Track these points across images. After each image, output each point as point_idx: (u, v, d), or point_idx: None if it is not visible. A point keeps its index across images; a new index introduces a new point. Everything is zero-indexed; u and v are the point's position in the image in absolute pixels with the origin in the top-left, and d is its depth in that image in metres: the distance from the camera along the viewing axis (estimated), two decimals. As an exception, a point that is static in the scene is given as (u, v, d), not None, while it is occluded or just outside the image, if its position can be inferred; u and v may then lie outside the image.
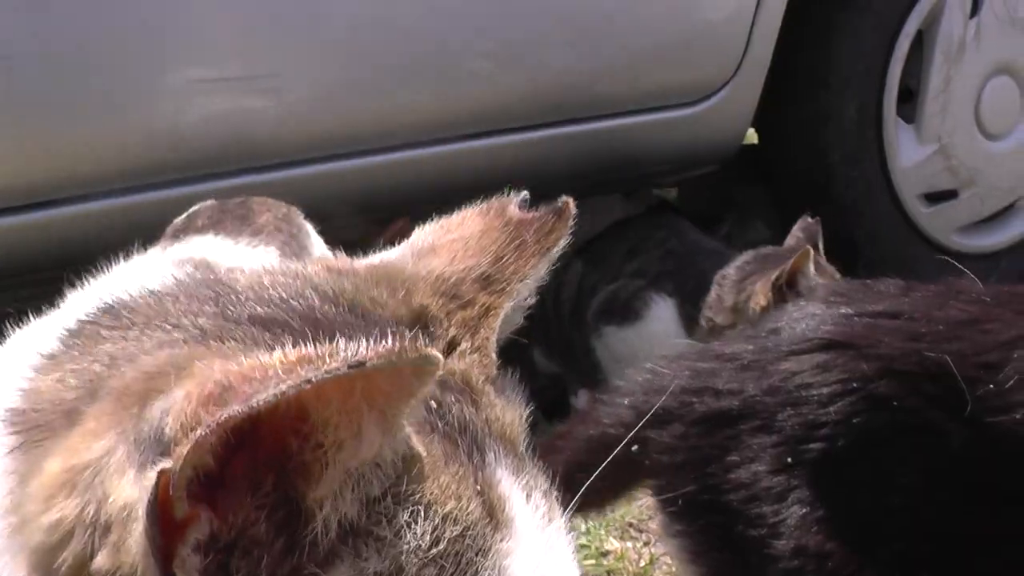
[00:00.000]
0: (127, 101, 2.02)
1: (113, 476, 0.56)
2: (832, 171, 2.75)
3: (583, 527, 2.00)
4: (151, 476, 0.53)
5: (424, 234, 0.82)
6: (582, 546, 1.96)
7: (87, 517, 0.57)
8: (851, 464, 0.98)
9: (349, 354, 0.52)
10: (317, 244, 1.54)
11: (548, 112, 2.46)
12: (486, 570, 0.62)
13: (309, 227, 1.56)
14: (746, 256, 2.37)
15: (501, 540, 0.63)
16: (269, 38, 2.17)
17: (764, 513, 0.99)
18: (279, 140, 2.24)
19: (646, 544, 1.98)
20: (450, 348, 0.73)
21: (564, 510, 0.73)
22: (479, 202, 0.84)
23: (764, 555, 0.99)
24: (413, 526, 0.60)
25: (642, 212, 2.79)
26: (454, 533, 0.61)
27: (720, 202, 3.44)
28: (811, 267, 1.96)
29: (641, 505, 2.09)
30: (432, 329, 0.73)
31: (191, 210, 1.53)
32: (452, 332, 0.74)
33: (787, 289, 1.95)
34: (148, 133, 2.09)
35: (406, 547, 0.59)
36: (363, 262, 0.81)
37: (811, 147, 2.77)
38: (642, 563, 1.92)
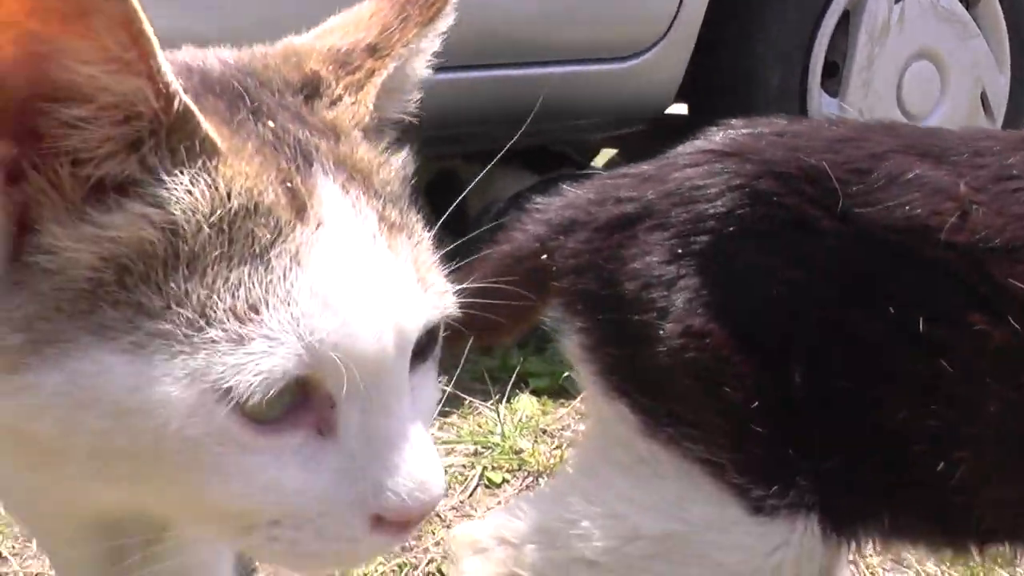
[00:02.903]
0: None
1: None
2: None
3: (499, 429, 2.09)
4: None
5: (328, 21, 0.94)
6: (496, 444, 2.04)
7: None
8: (733, 254, 1.07)
9: None
10: None
11: (488, 54, 2.55)
12: (279, 250, 0.69)
13: None
14: None
15: (303, 229, 0.70)
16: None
17: (655, 298, 1.07)
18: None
19: (557, 447, 2.07)
20: (334, 102, 0.84)
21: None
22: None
23: (652, 339, 1.08)
24: (192, 187, 0.68)
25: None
26: (240, 204, 0.69)
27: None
28: None
29: (557, 416, 2.19)
30: (321, 89, 0.84)
31: None
32: (339, 91, 0.85)
33: None
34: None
35: (182, 202, 0.68)
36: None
37: (735, 113, 2.89)
38: (551, 461, 2.00)
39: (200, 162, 0.69)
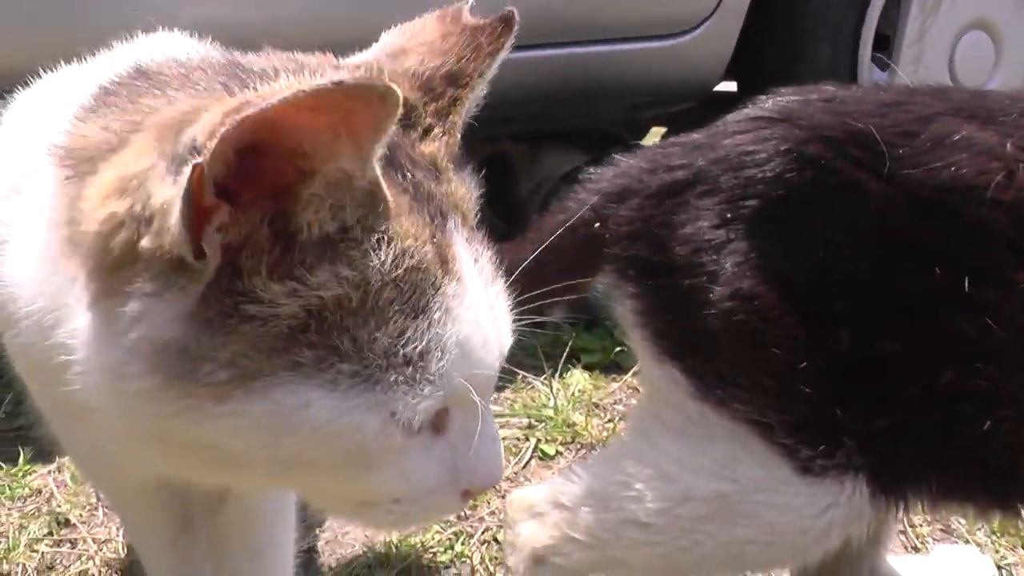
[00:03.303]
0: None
1: (155, 182, 0.71)
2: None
3: (552, 402, 2.12)
4: (187, 170, 0.68)
5: (392, 38, 0.98)
6: (549, 417, 2.07)
7: (135, 212, 0.73)
8: (782, 218, 1.09)
9: (336, 78, 0.68)
10: None
11: (538, 33, 2.57)
12: (436, 304, 0.79)
13: None
14: None
15: (449, 283, 0.80)
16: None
17: (705, 263, 1.10)
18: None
19: (609, 420, 2.09)
20: (426, 133, 0.90)
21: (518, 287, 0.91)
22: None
23: (702, 302, 1.10)
24: (378, 249, 0.77)
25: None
26: (411, 264, 0.78)
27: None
28: None
29: (609, 391, 2.21)
30: (413, 118, 0.89)
31: None
32: (428, 120, 0.90)
33: None
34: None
35: (372, 264, 0.76)
36: (346, 60, 0.96)
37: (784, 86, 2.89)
38: (604, 434, 2.03)
39: (383, 225, 0.77)
